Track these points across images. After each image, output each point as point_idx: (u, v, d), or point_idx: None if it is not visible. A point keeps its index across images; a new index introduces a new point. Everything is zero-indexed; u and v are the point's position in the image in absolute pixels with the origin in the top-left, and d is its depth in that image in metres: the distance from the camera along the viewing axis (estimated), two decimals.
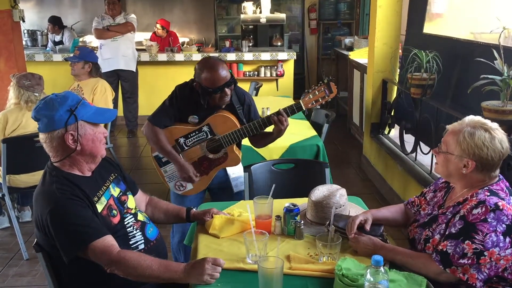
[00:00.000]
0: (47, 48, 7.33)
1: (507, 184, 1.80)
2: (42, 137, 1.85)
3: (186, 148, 2.75)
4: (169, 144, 2.72)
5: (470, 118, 1.82)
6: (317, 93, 2.63)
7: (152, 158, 2.86)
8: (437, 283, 1.72)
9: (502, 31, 2.72)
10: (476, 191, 1.76)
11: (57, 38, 7.39)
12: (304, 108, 2.63)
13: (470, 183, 1.80)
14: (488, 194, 1.71)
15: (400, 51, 4.90)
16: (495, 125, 1.78)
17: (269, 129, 2.72)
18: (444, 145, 1.83)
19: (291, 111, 2.63)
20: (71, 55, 4.73)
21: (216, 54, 6.68)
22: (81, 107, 1.84)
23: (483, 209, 1.66)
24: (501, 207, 1.65)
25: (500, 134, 1.76)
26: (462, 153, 1.75)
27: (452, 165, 1.79)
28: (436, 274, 1.70)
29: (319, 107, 2.70)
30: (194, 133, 2.72)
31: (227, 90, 2.61)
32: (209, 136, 2.71)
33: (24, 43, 7.04)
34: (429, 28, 4.29)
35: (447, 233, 1.73)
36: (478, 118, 1.82)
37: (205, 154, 2.75)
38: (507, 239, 1.63)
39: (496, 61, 2.66)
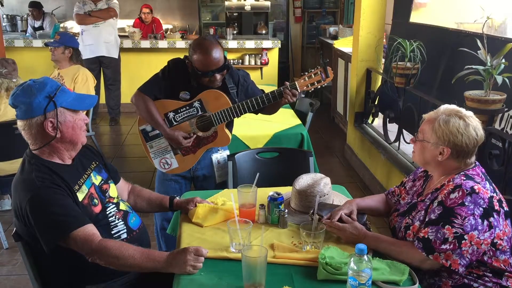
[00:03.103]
0: (27, 34, 7.18)
1: (483, 170, 1.84)
2: (20, 124, 1.81)
3: (175, 123, 2.67)
4: (158, 113, 2.64)
5: (445, 106, 1.85)
6: (313, 76, 2.57)
7: (139, 132, 2.77)
8: (418, 270, 1.74)
9: (486, 21, 2.73)
10: (452, 176, 1.79)
11: (37, 24, 7.23)
12: (299, 90, 2.56)
13: (447, 170, 1.83)
14: (464, 178, 1.75)
15: (384, 40, 4.90)
16: (469, 113, 1.82)
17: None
18: (420, 133, 1.86)
19: (285, 89, 2.56)
20: (52, 40, 4.64)
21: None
22: (60, 93, 1.80)
23: (460, 193, 1.70)
24: (477, 191, 1.69)
25: (474, 121, 1.79)
26: (437, 140, 1.78)
27: (429, 153, 1.83)
28: (420, 262, 1.72)
29: (303, 95, 2.64)
30: (184, 108, 2.64)
31: (218, 76, 2.55)
32: (200, 113, 2.64)
33: (3, 28, 6.88)
34: (413, 17, 4.30)
35: (427, 219, 1.75)
36: (453, 106, 1.86)
37: (194, 131, 2.67)
38: (485, 222, 1.67)
39: (479, 51, 2.67)
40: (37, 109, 1.76)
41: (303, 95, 4.60)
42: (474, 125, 1.78)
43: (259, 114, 2.78)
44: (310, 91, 2.62)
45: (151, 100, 2.64)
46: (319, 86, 2.59)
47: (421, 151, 1.85)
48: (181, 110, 2.65)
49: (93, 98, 1.95)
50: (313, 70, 2.58)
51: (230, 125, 2.79)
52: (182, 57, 2.67)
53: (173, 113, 2.66)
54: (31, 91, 1.77)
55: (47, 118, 1.77)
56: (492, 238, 1.69)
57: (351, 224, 1.87)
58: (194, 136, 2.67)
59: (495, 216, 1.68)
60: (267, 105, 2.60)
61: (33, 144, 1.82)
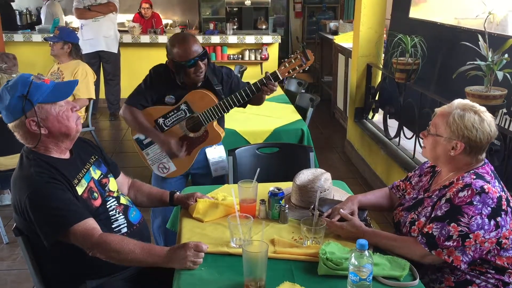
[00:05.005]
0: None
1: (492, 167, 1.82)
2: (10, 127, 1.81)
3: (165, 128, 2.70)
4: (147, 122, 2.68)
5: (458, 101, 1.82)
6: (293, 61, 2.57)
7: (133, 142, 2.81)
8: (420, 265, 1.74)
9: (488, 16, 2.72)
10: (462, 174, 1.76)
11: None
12: (280, 77, 2.56)
13: (457, 166, 1.80)
14: (474, 177, 1.72)
15: (384, 35, 4.89)
16: (483, 109, 1.79)
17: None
18: (433, 127, 1.82)
19: (267, 80, 2.55)
20: (51, 35, 4.63)
21: (200, 37, 6.60)
22: (34, 90, 1.74)
23: (469, 192, 1.67)
24: (486, 190, 1.66)
25: (488, 117, 1.76)
26: (451, 134, 1.75)
27: (441, 147, 1.79)
28: (421, 257, 1.71)
29: (294, 76, 2.65)
30: (172, 112, 2.67)
31: (201, 64, 2.57)
32: (188, 114, 2.66)
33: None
34: (413, 12, 4.28)
35: (433, 215, 1.74)
36: (467, 101, 1.82)
37: (185, 133, 2.69)
38: (492, 222, 1.65)
39: (480, 43, 2.66)
40: (15, 111, 1.74)
41: (294, 76, 4.56)
42: (489, 120, 1.75)
43: (253, 107, 2.80)
44: (293, 76, 2.62)
45: (138, 110, 2.68)
46: (301, 71, 2.59)
47: (433, 146, 1.81)
48: (170, 114, 2.68)
49: (72, 83, 1.87)
50: (292, 56, 2.59)
51: (221, 121, 2.80)
52: None
53: (163, 119, 2.69)
54: (5, 95, 1.75)
55: (28, 118, 1.75)
56: (498, 237, 1.67)
57: (349, 222, 1.86)
58: (186, 143, 2.69)
59: (503, 215, 1.67)
60: (252, 97, 2.61)
61: (27, 143, 1.82)
